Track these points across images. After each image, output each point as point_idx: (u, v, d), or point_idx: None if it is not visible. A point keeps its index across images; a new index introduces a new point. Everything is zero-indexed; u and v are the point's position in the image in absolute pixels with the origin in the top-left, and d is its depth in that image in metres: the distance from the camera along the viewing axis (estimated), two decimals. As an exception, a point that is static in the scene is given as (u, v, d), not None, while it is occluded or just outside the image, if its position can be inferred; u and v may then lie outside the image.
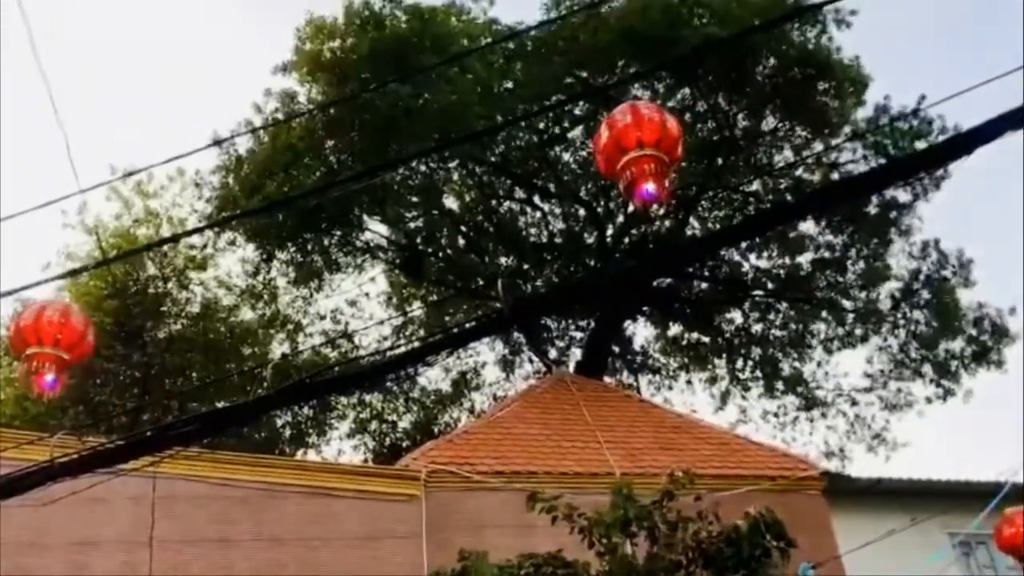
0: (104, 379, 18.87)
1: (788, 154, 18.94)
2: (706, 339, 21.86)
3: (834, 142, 18.05)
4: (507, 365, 22.50)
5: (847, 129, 17.81)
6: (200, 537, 9.71)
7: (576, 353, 21.49)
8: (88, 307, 15.87)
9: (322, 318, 22.08)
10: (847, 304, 19.85)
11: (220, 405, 15.03)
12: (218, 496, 10.01)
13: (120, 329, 18.65)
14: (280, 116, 17.51)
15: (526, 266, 20.55)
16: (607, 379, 20.12)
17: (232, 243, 19.91)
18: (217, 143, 16.50)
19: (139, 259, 18.75)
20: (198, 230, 19.39)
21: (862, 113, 17.81)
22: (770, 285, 20.28)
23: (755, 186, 19.45)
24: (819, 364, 20.94)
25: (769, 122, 18.53)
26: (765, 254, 20.00)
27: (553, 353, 21.53)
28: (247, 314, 21.72)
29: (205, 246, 20.29)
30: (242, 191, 17.41)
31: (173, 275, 20.44)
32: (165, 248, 19.45)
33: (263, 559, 9.73)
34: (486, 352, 22.38)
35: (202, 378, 19.61)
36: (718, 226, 19.85)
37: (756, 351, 21.31)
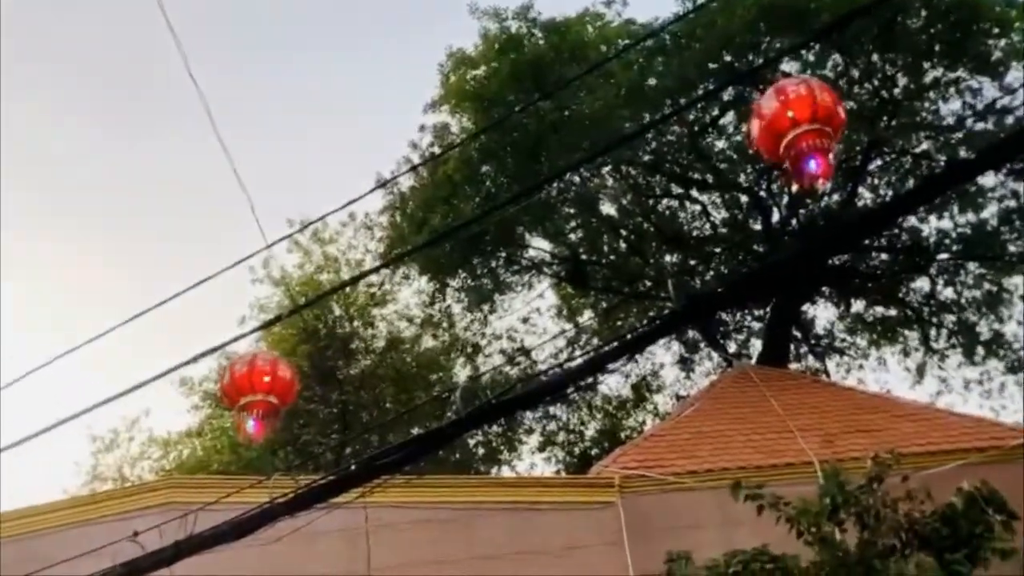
0: (307, 419, 20.00)
1: (955, 105, 17.91)
2: (893, 312, 20.89)
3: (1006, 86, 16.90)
4: (686, 364, 22.27)
5: (1016, 66, 16.62)
6: (414, 561, 10.11)
7: (756, 344, 21.05)
8: (284, 354, 16.91)
9: (498, 338, 22.67)
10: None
11: (415, 432, 15.65)
12: (426, 520, 10.39)
13: (315, 371, 19.73)
14: (435, 150, 18.17)
15: (692, 262, 20.31)
16: (792, 366, 19.58)
17: (407, 277, 20.87)
18: (382, 185, 17.32)
19: (325, 303, 19.83)
20: (375, 269, 20.41)
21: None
22: (955, 247, 19.17)
23: (924, 145, 18.51)
24: (1020, 322, 19.62)
25: (930, 75, 17.61)
26: (946, 214, 18.95)
27: (732, 347, 21.18)
28: (429, 342, 22.58)
29: (382, 283, 21.38)
30: (409, 227, 18.20)
31: (357, 314, 21.51)
32: (347, 290, 20.46)
33: (479, 576, 10.04)
34: (662, 353, 22.29)
35: (396, 408, 20.49)
36: (890, 193, 18.98)
37: (948, 318, 20.18)
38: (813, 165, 4.62)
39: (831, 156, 4.70)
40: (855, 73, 17.64)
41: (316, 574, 10.07)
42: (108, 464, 22.78)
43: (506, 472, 22.34)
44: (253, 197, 6.83)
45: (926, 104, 17.99)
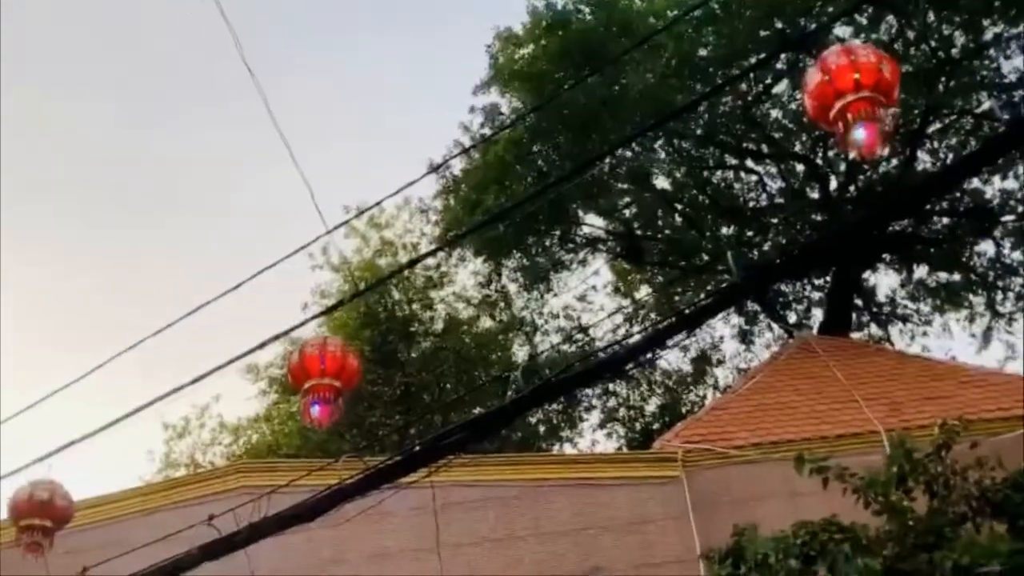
0: (371, 402, 20.29)
1: (1018, 62, 17.41)
2: (957, 277, 20.44)
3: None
4: (745, 336, 22.08)
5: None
6: (482, 538, 10.28)
7: (817, 314, 20.80)
8: (347, 338, 17.15)
9: (555, 316, 22.74)
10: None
11: (477, 411, 15.80)
12: (492, 497, 10.55)
13: (377, 354, 19.99)
14: (486, 131, 18.22)
15: (750, 233, 20.10)
16: (854, 335, 19.31)
17: (463, 259, 21.04)
18: (435, 168, 17.45)
19: (384, 287, 20.08)
20: (431, 252, 20.59)
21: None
22: (1020, 208, 18.67)
23: (986, 104, 18.03)
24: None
25: (990, 32, 17.12)
26: (1010, 175, 18.45)
27: (792, 317, 20.94)
28: (487, 323, 22.73)
29: (439, 266, 21.56)
30: (463, 209, 18.30)
31: (416, 297, 21.74)
32: (405, 273, 20.67)
33: (544, 552, 10.16)
34: (722, 327, 22.12)
35: (457, 389, 20.70)
36: (951, 155, 18.55)
37: (1015, 281, 19.70)
38: (862, 134, 4.54)
39: (882, 124, 4.62)
40: (910, 34, 17.23)
41: (387, 552, 10.28)
42: (181, 451, 23.38)
43: (568, 449, 22.46)
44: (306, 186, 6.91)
45: (986, 62, 17.51)
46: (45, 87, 24.69)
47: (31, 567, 7.16)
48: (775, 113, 19.11)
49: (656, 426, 21.53)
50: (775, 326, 21.41)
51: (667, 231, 20.99)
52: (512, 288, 21.64)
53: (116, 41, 24.75)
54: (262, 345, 6.31)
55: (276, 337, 6.49)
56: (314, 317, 13.22)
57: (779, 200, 20.04)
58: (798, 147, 19.15)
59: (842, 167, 18.93)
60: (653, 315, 21.48)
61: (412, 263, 20.81)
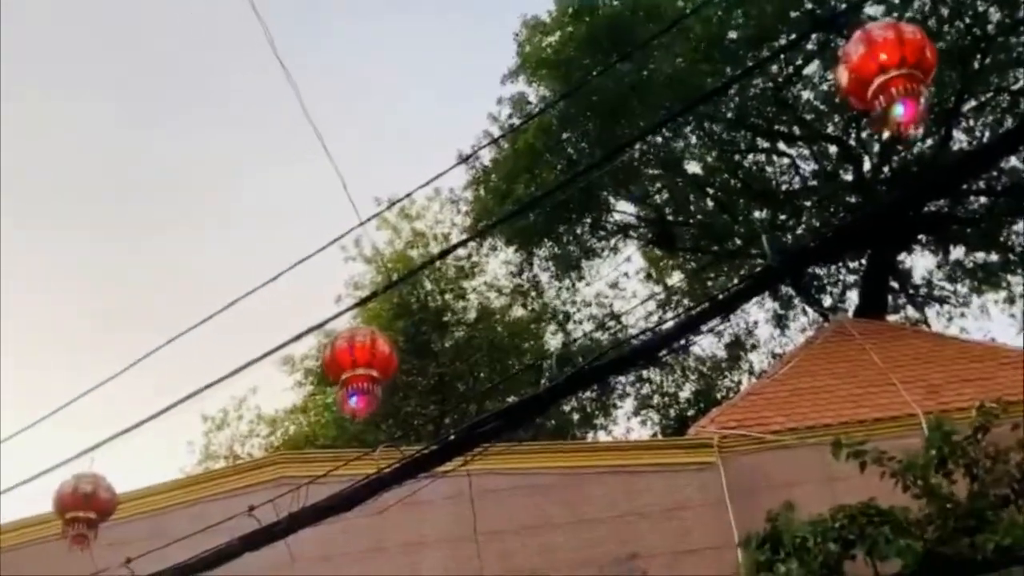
0: (406, 392, 20.42)
1: (1057, 38, 17.07)
2: (994, 257, 20.14)
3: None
4: (780, 321, 21.92)
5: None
6: (519, 526, 10.31)
7: (852, 297, 20.61)
8: (380, 328, 17.23)
9: (588, 304, 22.73)
10: None
11: (511, 400, 15.86)
12: (528, 485, 10.57)
13: (411, 344, 20.10)
14: (515, 121, 18.22)
15: (783, 216, 19.93)
16: (891, 318, 19.12)
17: (494, 249, 21.11)
18: (465, 159, 17.48)
19: (417, 278, 20.18)
20: (463, 243, 20.64)
21: None
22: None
23: (1023, 81, 17.73)
24: None
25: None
26: (1050, 152, 18.11)
27: (827, 301, 20.76)
28: (519, 312, 22.78)
29: (470, 256, 21.63)
30: (494, 199, 18.32)
31: (448, 287, 21.84)
32: (437, 264, 20.76)
33: (580, 539, 10.17)
34: (756, 311, 22.00)
35: (491, 377, 20.77)
36: (987, 134, 18.26)
37: (1054, 260, 19.39)
38: (903, 109, 4.47)
39: (922, 101, 4.55)
40: (944, 12, 16.97)
41: (424, 540, 10.36)
42: (220, 443, 23.68)
43: (603, 437, 22.47)
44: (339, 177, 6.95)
45: (1022, 38, 17.20)
46: (45, 87, 24.96)
47: (77, 560, 7.28)
48: (807, 94, 18.93)
49: (691, 412, 21.47)
50: (810, 310, 21.27)
51: (699, 216, 20.87)
52: (544, 277, 21.70)
53: (116, 41, 24.86)
54: (297, 337, 6.39)
55: (311, 329, 6.56)
56: (348, 309, 13.34)
57: (812, 182, 19.86)
58: (831, 128, 18.96)
59: (876, 148, 18.70)
60: (686, 301, 21.43)
61: (443, 254, 20.88)
